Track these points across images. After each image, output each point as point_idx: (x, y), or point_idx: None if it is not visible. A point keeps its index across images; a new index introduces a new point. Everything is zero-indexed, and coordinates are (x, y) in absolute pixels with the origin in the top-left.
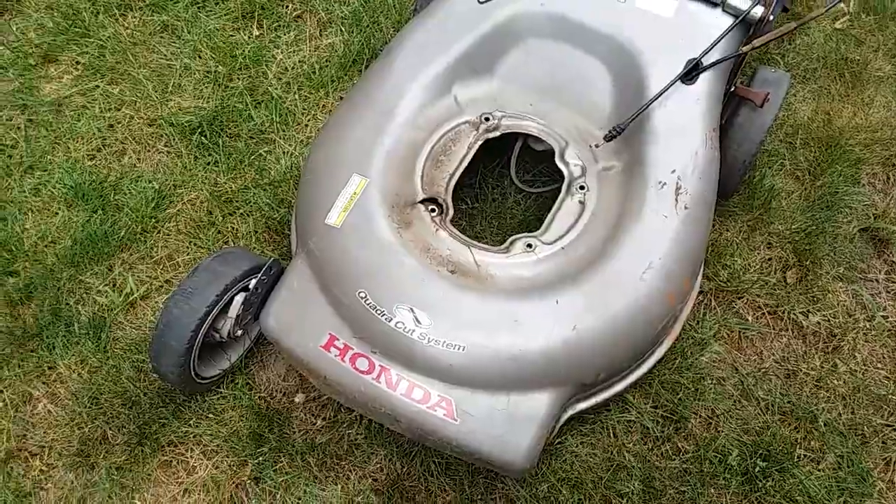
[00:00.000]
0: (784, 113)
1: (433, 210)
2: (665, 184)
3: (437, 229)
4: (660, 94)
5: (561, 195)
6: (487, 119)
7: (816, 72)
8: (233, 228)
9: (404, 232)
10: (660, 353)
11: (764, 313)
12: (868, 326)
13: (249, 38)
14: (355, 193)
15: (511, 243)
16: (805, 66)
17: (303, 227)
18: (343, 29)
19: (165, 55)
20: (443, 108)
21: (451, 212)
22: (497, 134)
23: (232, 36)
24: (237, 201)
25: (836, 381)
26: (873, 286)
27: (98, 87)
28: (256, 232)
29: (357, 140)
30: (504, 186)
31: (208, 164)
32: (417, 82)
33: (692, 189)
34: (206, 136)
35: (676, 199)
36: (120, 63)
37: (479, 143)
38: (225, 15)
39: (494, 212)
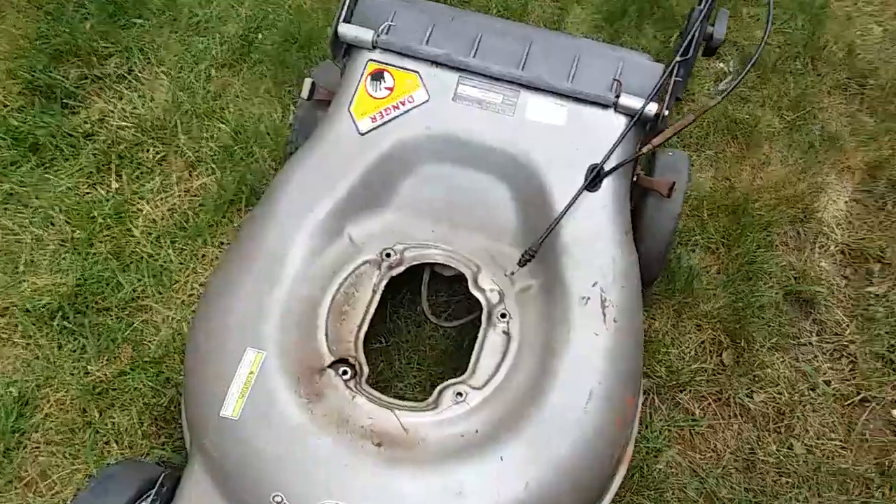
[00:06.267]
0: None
1: (345, 373)
2: (588, 298)
3: (353, 396)
4: (567, 209)
5: (482, 328)
6: (389, 255)
7: (709, 137)
8: (112, 424)
9: (315, 407)
10: (618, 480)
11: (709, 402)
12: (812, 395)
13: (108, 193)
14: (251, 373)
15: (439, 394)
16: (697, 134)
17: (195, 423)
18: (214, 166)
19: (12, 229)
20: (337, 251)
21: (367, 370)
22: (401, 269)
23: (88, 193)
24: (114, 390)
25: (795, 464)
26: (808, 350)
27: None
28: (142, 425)
29: (244, 307)
30: (417, 313)
31: (74, 350)
32: (304, 229)
33: (617, 299)
34: (68, 319)
35: (604, 314)
36: None
37: (384, 282)
38: (77, 171)
39: (412, 345)
